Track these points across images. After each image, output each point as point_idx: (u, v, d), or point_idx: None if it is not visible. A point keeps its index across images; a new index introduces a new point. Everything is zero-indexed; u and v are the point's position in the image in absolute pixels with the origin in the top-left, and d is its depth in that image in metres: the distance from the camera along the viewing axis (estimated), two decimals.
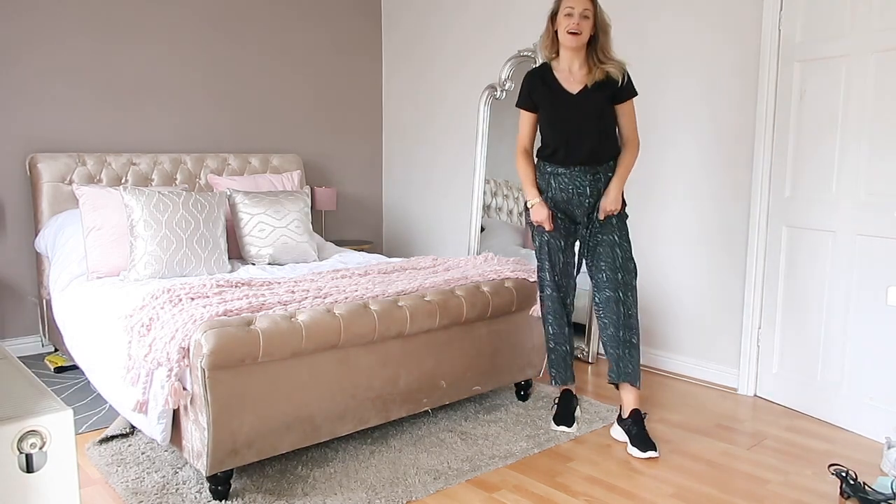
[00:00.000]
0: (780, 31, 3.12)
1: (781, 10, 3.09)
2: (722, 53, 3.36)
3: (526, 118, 2.89)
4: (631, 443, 2.67)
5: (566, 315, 2.92)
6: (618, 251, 2.75)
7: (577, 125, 2.74)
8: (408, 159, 5.13)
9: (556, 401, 2.96)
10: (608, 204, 2.73)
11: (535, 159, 2.90)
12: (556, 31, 2.75)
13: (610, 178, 2.76)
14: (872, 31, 2.74)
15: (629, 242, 2.79)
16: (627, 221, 2.82)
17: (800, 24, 3.04)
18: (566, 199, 2.79)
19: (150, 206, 3.21)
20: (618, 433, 2.79)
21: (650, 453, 2.62)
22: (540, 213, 2.80)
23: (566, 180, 2.77)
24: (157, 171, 3.99)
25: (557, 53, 2.79)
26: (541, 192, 2.84)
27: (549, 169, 2.83)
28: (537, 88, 2.81)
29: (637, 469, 2.53)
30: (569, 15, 2.66)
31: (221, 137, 4.45)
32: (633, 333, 2.73)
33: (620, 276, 2.73)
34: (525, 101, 2.87)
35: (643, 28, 3.64)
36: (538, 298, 2.96)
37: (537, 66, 2.91)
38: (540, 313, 2.97)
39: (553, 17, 2.75)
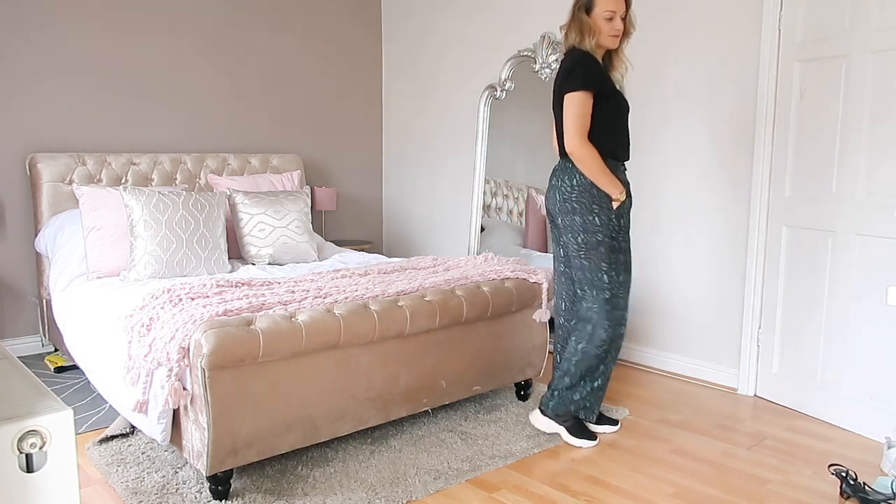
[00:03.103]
0: (780, 31, 3.12)
1: (781, 10, 3.09)
2: (722, 53, 3.36)
3: (589, 102, 2.59)
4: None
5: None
6: None
7: (628, 119, 2.75)
8: (408, 159, 5.13)
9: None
10: None
11: (602, 157, 2.64)
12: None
13: None
14: (871, 31, 2.74)
15: None
16: None
17: (800, 24, 3.04)
18: (629, 198, 2.73)
19: (150, 206, 3.21)
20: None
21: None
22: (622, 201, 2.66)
23: (627, 178, 2.75)
24: (157, 171, 3.99)
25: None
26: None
27: (623, 167, 2.73)
28: (605, 76, 2.66)
29: (637, 469, 2.53)
30: (610, 19, 2.61)
31: (221, 137, 4.45)
32: None
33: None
34: (594, 83, 2.59)
35: (641, 28, 3.63)
36: (612, 329, 2.66)
37: (587, 50, 2.64)
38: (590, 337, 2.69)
39: (587, 10, 2.63)
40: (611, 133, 2.67)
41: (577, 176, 2.64)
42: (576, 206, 2.65)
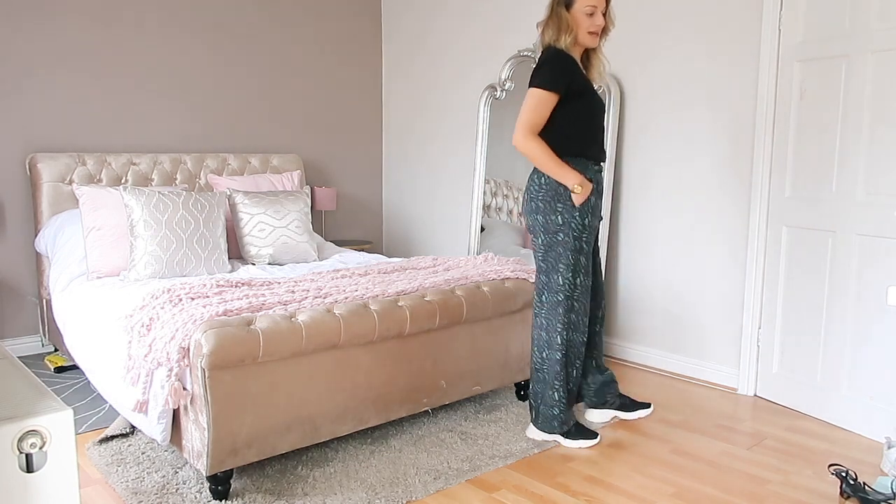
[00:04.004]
0: (780, 31, 3.12)
1: (781, 10, 3.09)
2: (722, 53, 3.36)
3: (549, 102, 2.56)
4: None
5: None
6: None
7: (603, 119, 2.74)
8: (408, 159, 5.13)
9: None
10: None
11: (566, 157, 2.61)
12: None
13: None
14: (871, 31, 2.74)
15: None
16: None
17: (800, 24, 3.04)
18: (600, 199, 2.73)
19: (150, 206, 3.21)
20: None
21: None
22: (587, 190, 2.59)
23: (601, 178, 2.73)
24: (157, 171, 3.99)
25: None
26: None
27: (595, 167, 2.69)
28: (578, 74, 2.61)
29: (637, 469, 2.53)
30: (591, 14, 2.58)
31: (221, 137, 4.45)
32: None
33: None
34: (559, 84, 2.55)
35: (640, 28, 3.64)
36: (567, 332, 2.65)
37: (561, 49, 2.60)
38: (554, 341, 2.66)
39: (566, 5, 2.59)
40: (579, 131, 2.63)
41: (545, 175, 2.63)
42: (540, 205, 2.64)
